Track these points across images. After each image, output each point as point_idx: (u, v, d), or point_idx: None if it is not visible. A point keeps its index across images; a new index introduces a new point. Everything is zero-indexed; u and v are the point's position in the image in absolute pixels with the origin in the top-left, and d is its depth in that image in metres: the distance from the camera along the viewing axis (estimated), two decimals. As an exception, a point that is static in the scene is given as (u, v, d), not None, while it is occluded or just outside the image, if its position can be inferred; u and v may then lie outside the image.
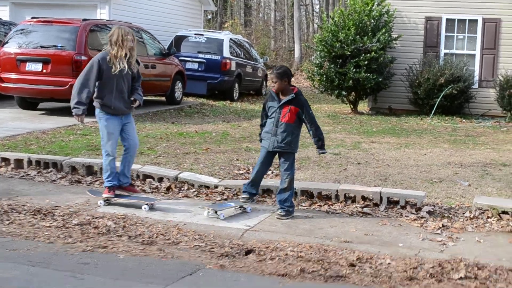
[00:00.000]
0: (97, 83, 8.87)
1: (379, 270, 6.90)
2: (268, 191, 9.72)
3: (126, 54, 8.88)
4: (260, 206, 9.25)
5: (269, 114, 8.86)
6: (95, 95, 8.95)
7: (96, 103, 8.98)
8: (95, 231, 7.92)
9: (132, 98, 9.17)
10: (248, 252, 7.37)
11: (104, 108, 8.95)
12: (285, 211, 8.71)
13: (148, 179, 10.22)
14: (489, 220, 8.73)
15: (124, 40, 8.82)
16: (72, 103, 8.85)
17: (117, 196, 9.15)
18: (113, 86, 8.91)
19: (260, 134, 9.08)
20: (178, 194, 9.81)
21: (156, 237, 7.80)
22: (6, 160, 11.05)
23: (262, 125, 9.00)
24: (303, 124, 8.82)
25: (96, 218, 8.42)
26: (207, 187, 9.91)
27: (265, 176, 9.87)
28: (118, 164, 9.26)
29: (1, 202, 8.90)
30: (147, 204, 8.92)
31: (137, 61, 9.20)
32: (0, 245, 7.27)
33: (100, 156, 11.17)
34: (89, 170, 10.67)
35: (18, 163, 10.97)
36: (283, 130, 8.67)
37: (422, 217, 8.80)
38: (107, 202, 9.08)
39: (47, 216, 8.44)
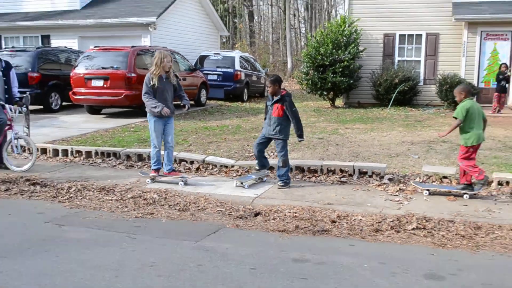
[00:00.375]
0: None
1: (353, 225, 6.89)
2: (271, 168, 9.67)
3: (166, 72, 8.79)
4: (266, 178, 9.20)
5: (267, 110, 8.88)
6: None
7: (147, 108, 8.88)
8: (144, 202, 7.93)
9: (182, 104, 9.15)
10: (256, 214, 7.37)
11: (153, 112, 8.89)
12: (283, 182, 8.68)
13: (182, 162, 10.18)
14: (433, 183, 8.67)
15: (162, 62, 8.75)
16: (149, 108, 8.78)
17: (160, 176, 9.12)
18: (159, 96, 8.81)
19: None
20: (204, 172, 9.78)
21: (189, 205, 7.80)
22: (79, 152, 11.04)
23: (265, 118, 8.99)
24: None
25: (145, 192, 8.42)
26: (226, 166, 9.88)
27: (268, 157, 9.87)
28: (162, 153, 9.21)
29: (76, 183, 8.91)
30: (182, 180, 8.89)
31: (175, 75, 9.11)
32: (75, 215, 7.32)
33: (147, 147, 11.21)
34: (140, 157, 10.62)
35: (88, 154, 10.96)
36: (273, 122, 8.67)
37: (384, 183, 8.79)
38: (153, 180, 9.05)
39: (109, 192, 8.46)
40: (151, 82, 8.68)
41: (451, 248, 6.10)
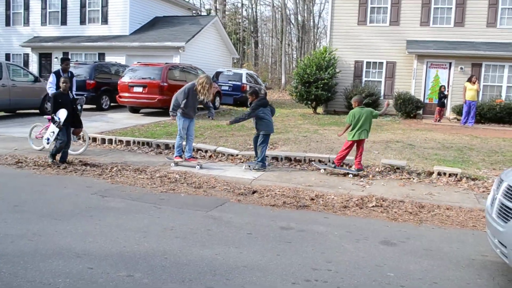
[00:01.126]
0: (184, 100, 8.68)
1: (327, 202, 6.80)
2: (267, 158, 9.51)
3: (205, 93, 8.65)
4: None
5: None
6: (182, 105, 8.74)
7: (180, 110, 8.78)
8: (168, 181, 7.80)
9: (208, 116, 9.19)
10: (254, 192, 7.27)
11: (183, 114, 8.80)
12: (259, 165, 8.64)
13: (199, 151, 10.04)
14: (389, 173, 8.58)
15: (205, 85, 8.62)
16: (170, 109, 8.77)
17: (182, 161, 8.98)
18: (191, 104, 8.73)
19: None
20: (215, 159, 9.64)
21: (203, 184, 7.68)
22: (121, 141, 10.87)
23: None
24: (266, 115, 8.62)
25: (169, 173, 8.29)
26: (232, 155, 9.74)
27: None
28: (184, 143, 9.07)
29: (117, 165, 8.77)
30: (198, 165, 8.75)
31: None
32: (115, 189, 7.18)
33: (173, 139, 11.06)
34: (167, 146, 10.45)
35: (127, 142, 10.78)
36: (253, 121, 8.71)
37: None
38: (176, 164, 8.91)
39: (142, 172, 8.32)
40: (191, 93, 8.66)
41: (401, 222, 6.02)
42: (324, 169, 8.51)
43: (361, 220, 6.03)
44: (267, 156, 9.43)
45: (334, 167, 8.44)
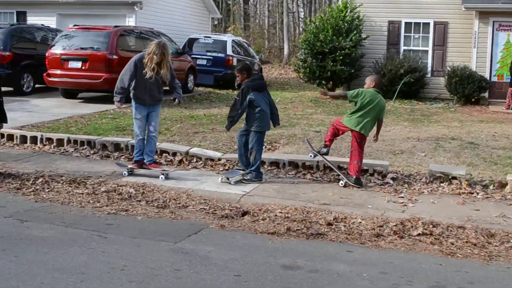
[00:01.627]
0: (133, 80, 8.65)
1: (352, 228, 6.78)
2: (262, 163, 9.41)
3: (154, 68, 8.54)
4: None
5: None
6: (131, 87, 8.72)
7: (131, 93, 8.78)
8: (119, 197, 7.76)
9: (172, 98, 9.16)
10: (244, 213, 7.23)
11: (136, 99, 8.76)
12: (251, 175, 8.66)
13: (164, 154, 9.97)
14: (441, 184, 8.57)
15: (154, 56, 8.49)
16: (114, 93, 8.84)
17: (139, 168, 8.93)
18: (143, 84, 8.65)
19: None
20: (188, 166, 9.58)
21: (169, 201, 7.64)
22: (49, 140, 10.79)
23: None
24: (261, 103, 8.60)
25: (120, 186, 8.24)
26: (212, 159, 9.68)
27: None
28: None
29: (44, 174, 8.69)
30: (163, 174, 8.68)
31: (171, 71, 8.82)
32: (40, 209, 7.13)
33: (126, 136, 11.04)
34: (117, 147, 10.38)
35: (59, 142, 10.70)
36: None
37: (387, 183, 8.65)
38: (130, 172, 8.86)
39: (80, 185, 8.26)
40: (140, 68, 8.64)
41: (461, 258, 5.97)
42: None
43: (402, 256, 5.97)
44: (263, 161, 9.35)
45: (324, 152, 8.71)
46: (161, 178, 8.60)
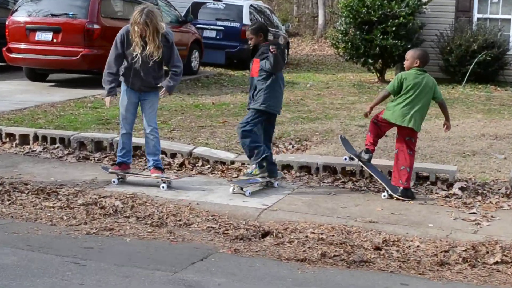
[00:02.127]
0: (121, 60, 8.80)
1: (407, 254, 6.77)
2: (288, 167, 9.51)
3: (140, 43, 8.62)
4: (278, 182, 9.05)
5: None
6: (121, 71, 8.87)
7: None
8: (101, 212, 7.79)
9: (159, 85, 9.02)
10: (265, 234, 7.25)
11: (124, 79, 8.89)
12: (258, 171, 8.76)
13: (160, 155, 9.99)
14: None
15: (135, 26, 8.55)
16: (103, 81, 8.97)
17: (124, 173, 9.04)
18: (131, 64, 8.76)
19: None
20: (191, 170, 9.65)
21: (167, 218, 7.68)
22: (11, 136, 10.90)
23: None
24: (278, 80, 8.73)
25: (103, 197, 8.28)
26: (223, 163, 9.73)
27: (284, 151, 9.82)
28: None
29: (3, 181, 8.76)
30: (165, 182, 8.73)
31: (166, 39, 8.84)
32: (-2, 228, 7.16)
33: (110, 131, 11.09)
34: (98, 145, 10.45)
35: (24, 138, 10.80)
36: (251, 86, 8.86)
37: (454, 194, 8.64)
38: (121, 179, 8.96)
39: (50, 196, 8.30)
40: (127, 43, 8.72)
41: (553, 294, 5.95)
42: (388, 194, 8.61)
43: (474, 290, 5.97)
44: (289, 165, 9.38)
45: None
46: (162, 187, 8.68)
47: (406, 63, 8.68)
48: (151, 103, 8.96)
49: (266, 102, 8.58)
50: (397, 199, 8.39)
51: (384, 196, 8.50)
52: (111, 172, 8.95)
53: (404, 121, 8.39)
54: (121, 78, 8.87)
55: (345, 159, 8.90)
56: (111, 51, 8.77)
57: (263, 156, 8.56)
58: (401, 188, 8.43)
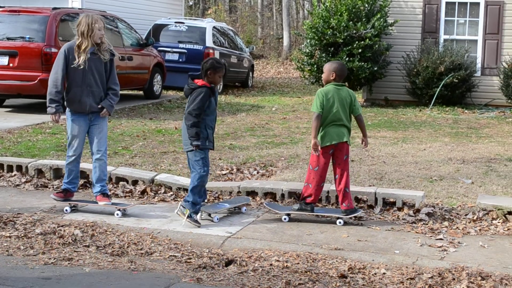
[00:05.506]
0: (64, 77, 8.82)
1: (373, 282, 6.80)
2: (253, 193, 9.55)
3: (97, 44, 8.74)
4: (246, 208, 9.11)
5: None
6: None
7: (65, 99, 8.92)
8: (59, 241, 7.73)
9: (99, 106, 8.92)
10: (228, 262, 7.26)
11: (70, 104, 8.86)
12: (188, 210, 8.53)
13: (121, 182, 10.03)
14: (494, 222, 8.62)
15: (90, 30, 8.64)
16: (47, 101, 8.91)
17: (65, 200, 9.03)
18: (80, 80, 8.77)
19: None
20: (153, 198, 9.65)
21: (128, 247, 7.65)
22: (-35, 163, 10.82)
23: None
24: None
25: (62, 226, 8.23)
26: (186, 189, 9.68)
27: (249, 177, 9.86)
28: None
29: (-42, 210, 8.69)
30: (119, 210, 8.74)
31: (110, 51, 8.95)
32: (-47, 259, 7.10)
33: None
34: (57, 173, 10.44)
35: (-22, 166, 10.77)
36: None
37: (420, 220, 8.69)
38: (73, 208, 8.95)
39: (7, 225, 8.24)
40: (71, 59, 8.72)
41: (520, 321, 6.00)
42: (288, 215, 8.70)
43: (440, 317, 6.01)
44: (253, 192, 9.41)
45: (307, 209, 8.67)
46: (117, 215, 8.67)
47: (323, 76, 8.72)
48: (99, 126, 8.98)
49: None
50: (350, 224, 8.53)
51: (340, 223, 8.52)
52: (54, 199, 8.96)
53: (339, 138, 8.56)
54: (66, 105, 8.90)
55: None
56: (56, 68, 8.79)
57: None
58: (349, 210, 8.51)
